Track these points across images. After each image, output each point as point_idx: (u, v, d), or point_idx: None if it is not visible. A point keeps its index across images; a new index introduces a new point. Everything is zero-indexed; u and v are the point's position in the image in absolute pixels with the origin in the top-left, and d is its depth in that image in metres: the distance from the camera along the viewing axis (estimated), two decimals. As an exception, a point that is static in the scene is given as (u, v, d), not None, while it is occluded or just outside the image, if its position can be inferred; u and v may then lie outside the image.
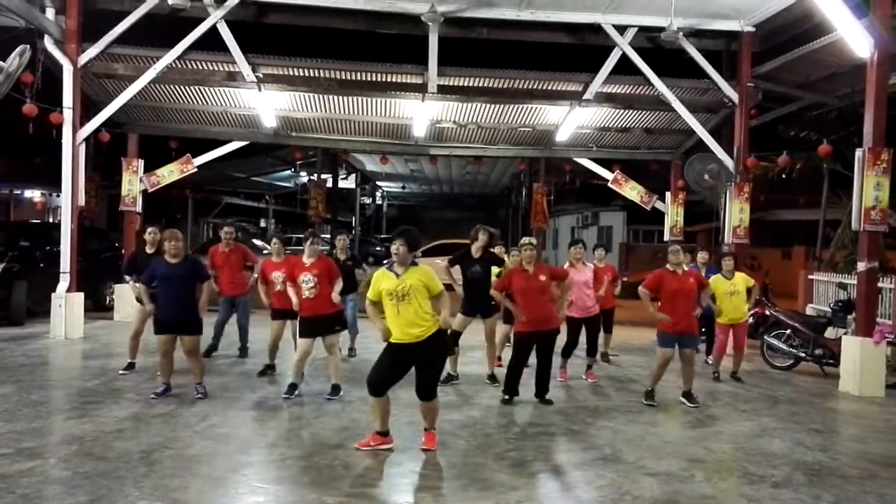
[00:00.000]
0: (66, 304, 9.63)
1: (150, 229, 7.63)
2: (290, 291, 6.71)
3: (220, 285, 8.28)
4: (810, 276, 12.27)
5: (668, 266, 6.86)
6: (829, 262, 13.22)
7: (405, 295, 4.90)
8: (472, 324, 7.56)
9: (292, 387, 6.61)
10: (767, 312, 10.13)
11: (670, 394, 7.25)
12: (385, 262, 5.36)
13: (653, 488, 4.53)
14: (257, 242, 23.44)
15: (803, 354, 8.93)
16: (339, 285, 6.68)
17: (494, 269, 7.70)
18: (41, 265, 11.21)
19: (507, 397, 6.69)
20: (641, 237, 28.96)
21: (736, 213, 10.84)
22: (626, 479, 4.68)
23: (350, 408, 6.15)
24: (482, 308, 7.45)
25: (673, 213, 12.61)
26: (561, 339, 7.50)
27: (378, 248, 26.59)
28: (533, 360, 6.69)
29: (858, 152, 7.99)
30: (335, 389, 6.63)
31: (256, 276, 7.99)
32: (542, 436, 5.69)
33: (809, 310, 11.59)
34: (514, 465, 4.93)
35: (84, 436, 5.16)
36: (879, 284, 9.03)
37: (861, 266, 8.08)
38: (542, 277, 6.60)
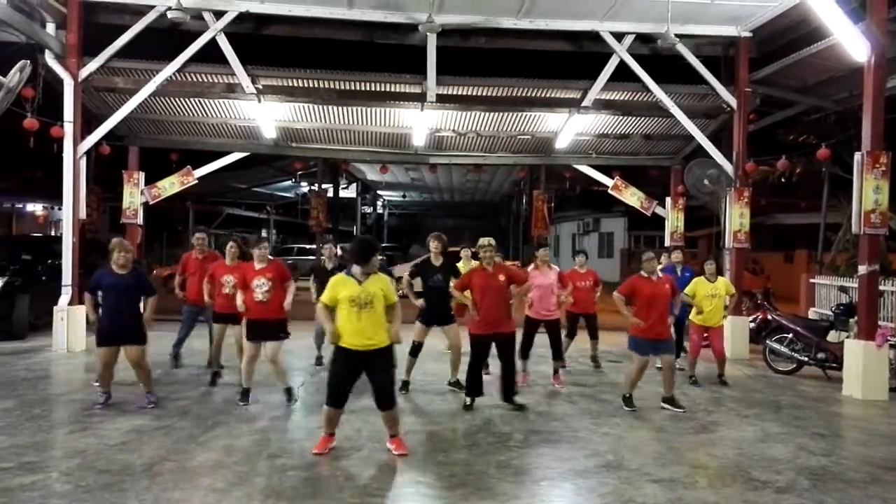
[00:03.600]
0: (68, 317, 9.62)
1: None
2: (238, 297, 6.54)
3: (190, 293, 8.13)
4: (812, 280, 12.25)
5: (642, 272, 6.82)
6: (831, 266, 13.19)
7: (368, 302, 4.97)
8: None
9: (246, 392, 6.63)
10: (770, 317, 10.12)
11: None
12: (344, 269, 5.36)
13: (656, 495, 4.52)
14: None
15: (806, 358, 8.92)
16: (291, 292, 6.66)
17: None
18: (43, 279, 11.22)
19: (469, 402, 6.68)
20: (643, 243, 28.97)
21: (736, 218, 10.85)
22: (629, 486, 4.67)
23: (353, 417, 6.09)
24: (441, 317, 7.35)
25: (673, 219, 12.64)
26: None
27: (380, 257, 26.60)
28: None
29: (857, 156, 8.01)
30: (288, 392, 6.63)
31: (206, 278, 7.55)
32: (545, 443, 5.68)
33: (812, 314, 11.57)
34: (516, 473, 4.93)
35: (86, 449, 5.16)
36: (881, 287, 9.01)
37: (862, 269, 8.08)
38: (501, 278, 6.66)
